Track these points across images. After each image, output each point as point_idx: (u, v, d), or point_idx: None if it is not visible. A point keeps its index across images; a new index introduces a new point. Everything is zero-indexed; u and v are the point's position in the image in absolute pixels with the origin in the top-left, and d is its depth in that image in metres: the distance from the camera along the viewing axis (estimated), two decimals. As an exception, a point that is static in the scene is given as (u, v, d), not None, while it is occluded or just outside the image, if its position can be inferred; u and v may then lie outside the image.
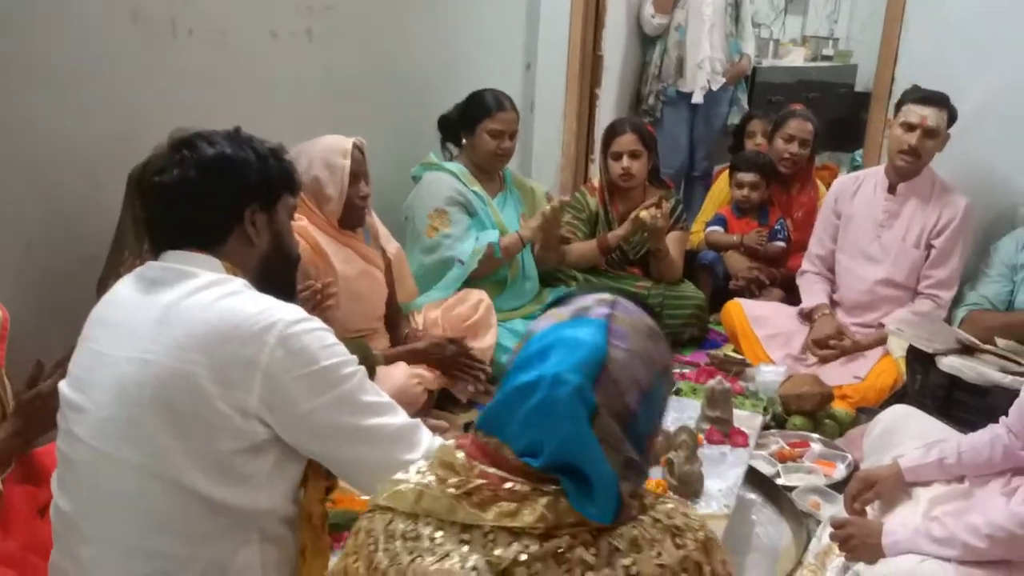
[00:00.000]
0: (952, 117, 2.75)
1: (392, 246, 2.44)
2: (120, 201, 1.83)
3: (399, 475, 0.95)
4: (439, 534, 0.88)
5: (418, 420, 1.28)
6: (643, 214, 2.99)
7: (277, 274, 1.36)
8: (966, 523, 1.61)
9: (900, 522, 1.73)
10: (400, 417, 1.24)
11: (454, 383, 2.50)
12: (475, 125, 2.84)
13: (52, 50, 1.84)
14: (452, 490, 0.89)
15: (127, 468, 1.16)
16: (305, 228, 2.15)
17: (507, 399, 0.91)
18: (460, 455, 0.93)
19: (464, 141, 2.89)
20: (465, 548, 0.87)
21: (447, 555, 0.86)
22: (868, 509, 1.95)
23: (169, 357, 1.14)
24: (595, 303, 0.95)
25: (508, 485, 0.88)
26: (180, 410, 1.14)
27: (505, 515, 0.86)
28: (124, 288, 1.28)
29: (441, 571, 0.85)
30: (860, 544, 1.74)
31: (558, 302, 0.99)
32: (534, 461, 0.88)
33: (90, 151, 1.93)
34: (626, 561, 0.86)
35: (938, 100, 2.72)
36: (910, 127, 2.73)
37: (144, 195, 1.35)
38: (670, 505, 0.94)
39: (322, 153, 2.20)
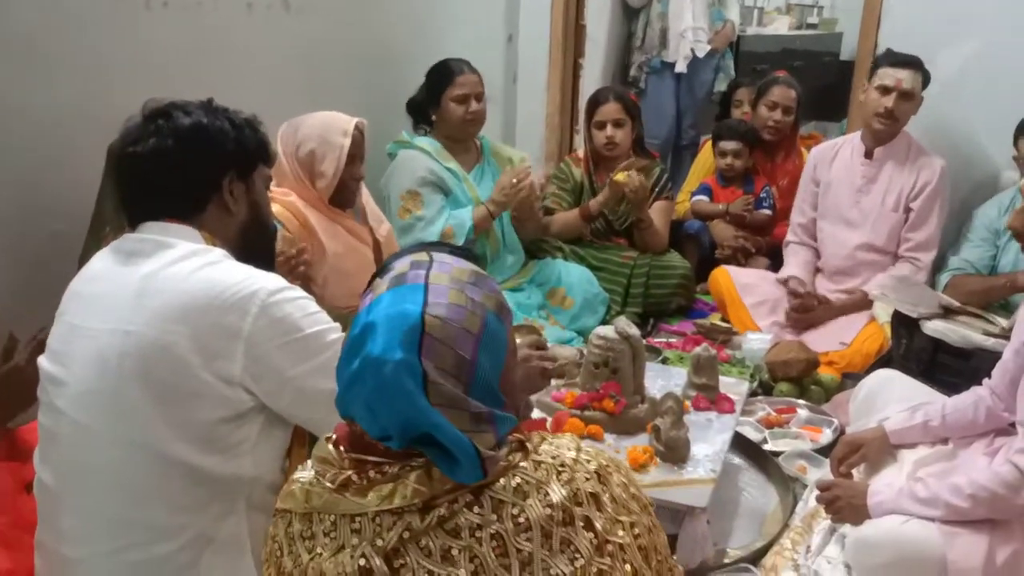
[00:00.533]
0: (926, 79, 2.76)
1: (384, 227, 2.41)
2: (92, 175, 1.81)
3: (295, 474, 0.95)
4: (332, 529, 0.89)
5: None
6: (618, 176, 2.97)
7: (256, 244, 1.36)
8: (949, 484, 1.63)
9: (885, 483, 1.75)
10: None
11: None
12: (439, 96, 2.81)
13: (22, 19, 1.80)
14: (329, 484, 0.90)
15: (110, 439, 1.16)
16: (294, 203, 2.13)
17: (347, 388, 0.90)
18: (330, 448, 0.93)
19: (434, 117, 2.85)
20: (356, 538, 0.87)
21: (341, 548, 0.87)
22: (854, 472, 1.97)
23: (150, 328, 1.14)
24: (411, 267, 0.92)
25: (376, 470, 0.88)
26: (163, 381, 1.14)
27: (384, 498, 0.87)
28: (100, 261, 1.27)
29: (336, 564, 0.86)
30: (846, 506, 1.76)
31: (380, 272, 0.97)
32: (392, 444, 0.88)
33: (61, 124, 1.89)
34: (514, 511, 0.86)
35: (912, 62, 2.74)
36: (885, 90, 2.74)
37: (119, 165, 1.33)
38: (557, 443, 0.94)
39: (321, 129, 2.15)
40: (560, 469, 0.89)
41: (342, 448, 0.93)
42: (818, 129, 5.17)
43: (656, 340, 2.86)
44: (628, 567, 0.88)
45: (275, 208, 2.07)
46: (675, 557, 1.67)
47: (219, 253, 1.24)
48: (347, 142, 2.13)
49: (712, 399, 2.06)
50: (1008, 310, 2.54)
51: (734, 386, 2.18)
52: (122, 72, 2.00)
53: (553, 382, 2.18)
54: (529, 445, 0.91)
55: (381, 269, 0.97)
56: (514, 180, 2.74)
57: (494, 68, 3.40)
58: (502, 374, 0.93)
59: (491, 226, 2.87)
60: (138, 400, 1.15)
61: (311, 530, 0.91)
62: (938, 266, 2.86)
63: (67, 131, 1.90)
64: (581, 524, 0.87)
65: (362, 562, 0.85)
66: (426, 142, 2.82)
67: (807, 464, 2.18)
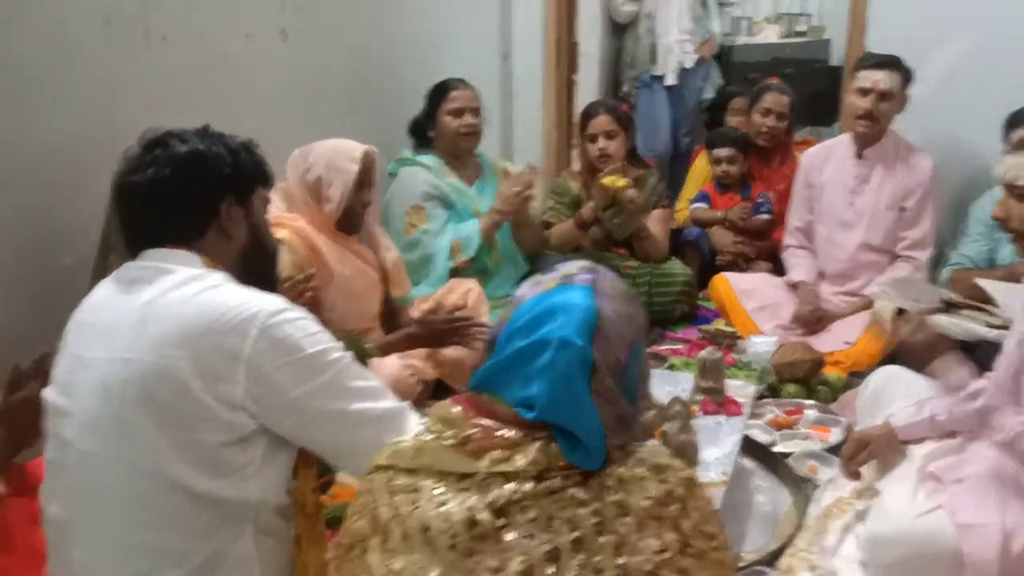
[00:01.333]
0: (907, 78, 2.80)
1: (392, 255, 2.43)
2: (100, 207, 1.83)
3: (404, 435, 1.01)
4: (439, 485, 0.93)
5: (407, 403, 1.28)
6: (605, 180, 3.01)
7: (257, 267, 1.36)
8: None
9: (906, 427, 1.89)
10: (388, 401, 1.24)
11: (459, 362, 2.38)
12: (435, 112, 2.87)
13: (25, 52, 1.82)
14: (449, 442, 0.95)
15: (117, 466, 1.16)
16: (303, 228, 2.16)
17: (507, 362, 0.96)
18: (456, 409, 0.98)
19: (431, 134, 2.90)
20: (463, 495, 0.92)
21: (446, 502, 0.92)
22: (863, 469, 1.98)
23: (151, 354, 1.14)
24: (578, 270, 1.02)
25: (500, 433, 0.94)
26: (165, 406, 1.14)
27: (499, 461, 0.92)
28: (102, 291, 1.28)
29: (439, 515, 0.91)
30: (875, 447, 1.88)
31: (542, 271, 1.05)
32: (527, 413, 0.94)
33: (66, 155, 1.91)
34: (615, 497, 0.92)
35: (889, 63, 2.78)
36: (864, 92, 2.79)
37: (119, 195, 1.34)
38: (652, 446, 1.01)
39: (330, 154, 2.18)
40: (659, 469, 0.96)
41: (466, 412, 0.98)
42: (812, 134, 5.20)
43: (662, 348, 2.87)
44: (705, 572, 0.93)
45: (284, 233, 2.10)
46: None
47: (219, 276, 1.24)
48: (355, 168, 2.17)
49: (719, 402, 2.07)
50: (1010, 302, 2.55)
51: (740, 388, 2.19)
52: (125, 103, 2.04)
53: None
54: (629, 446, 0.99)
55: (543, 269, 1.06)
56: (516, 189, 2.77)
57: (490, 87, 3.44)
58: (639, 387, 1.01)
59: (495, 239, 2.90)
60: (142, 426, 1.14)
61: (416, 484, 0.95)
62: (937, 262, 2.88)
63: (73, 163, 1.93)
64: (670, 521, 0.93)
65: (469, 514, 0.90)
66: (427, 159, 2.88)
67: (818, 464, 2.19)
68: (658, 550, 0.90)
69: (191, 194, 1.29)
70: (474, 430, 0.95)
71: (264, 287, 1.27)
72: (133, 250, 1.30)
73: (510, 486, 0.91)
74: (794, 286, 3.01)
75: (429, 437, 0.97)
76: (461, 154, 2.94)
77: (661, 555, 0.90)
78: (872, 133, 2.85)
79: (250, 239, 1.36)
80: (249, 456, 1.18)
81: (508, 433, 0.94)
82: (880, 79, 2.76)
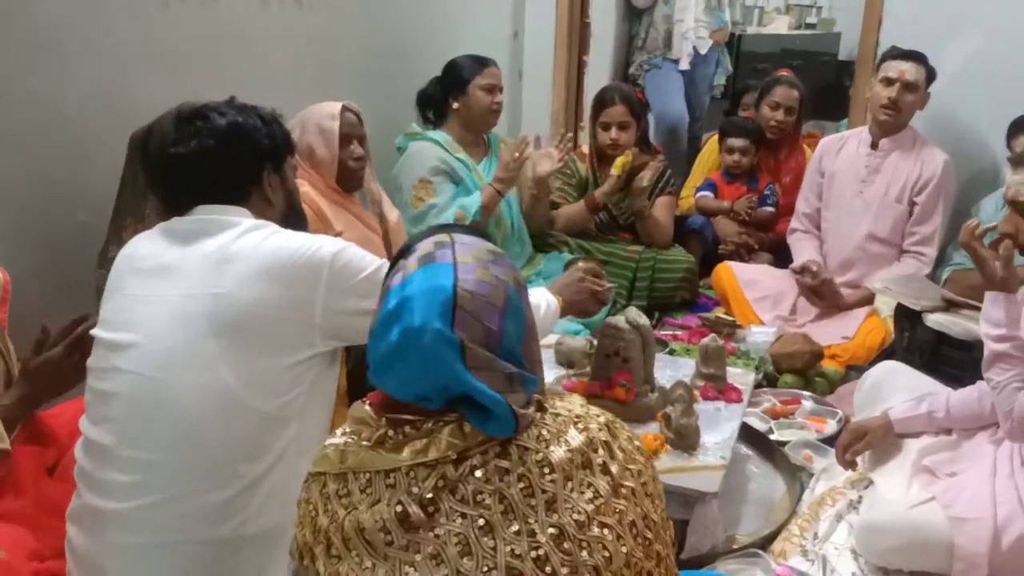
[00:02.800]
0: (931, 75, 2.82)
1: (393, 214, 2.44)
2: (114, 165, 1.84)
3: (327, 441, 1.02)
4: (368, 485, 0.95)
5: None
6: (615, 168, 3.06)
7: (295, 227, 1.45)
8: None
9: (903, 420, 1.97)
10: None
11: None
12: (466, 85, 2.85)
13: (40, 15, 1.82)
14: (366, 443, 0.96)
15: (184, 389, 1.27)
16: (307, 193, 2.16)
17: (382, 360, 0.96)
18: (367, 408, 1.00)
19: (456, 105, 2.88)
20: (391, 491, 0.93)
21: (377, 501, 0.93)
22: (859, 460, 2.01)
23: (240, 288, 1.29)
24: (436, 247, 0.99)
25: (413, 425, 0.95)
26: (250, 333, 1.28)
27: (418, 452, 0.93)
28: (151, 243, 1.39)
29: (372, 514, 0.92)
30: (872, 436, 1.95)
31: (401, 254, 1.02)
32: (428, 404, 0.95)
33: (82, 115, 1.92)
34: (538, 456, 0.93)
35: (916, 56, 2.81)
36: (889, 81, 2.81)
37: (162, 166, 1.42)
38: (568, 400, 1.02)
39: (314, 118, 2.21)
40: (576, 419, 0.98)
41: (377, 410, 0.99)
42: (817, 128, 5.21)
43: (662, 333, 2.89)
44: (639, 510, 0.96)
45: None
46: (687, 542, 1.73)
47: (275, 226, 1.38)
48: (335, 125, 2.19)
49: (720, 389, 2.09)
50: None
51: (741, 376, 2.21)
52: (141, 64, 2.04)
53: (564, 371, 2.22)
54: (547, 404, 1.00)
55: (403, 250, 1.02)
56: (516, 154, 2.76)
57: (500, 63, 3.40)
58: (524, 342, 1.00)
59: (501, 211, 2.91)
60: (222, 352, 1.27)
61: (347, 488, 0.96)
62: (939, 261, 2.90)
63: (88, 122, 1.93)
64: (599, 467, 0.95)
65: (399, 508, 0.91)
66: (437, 134, 2.87)
67: (813, 453, 2.21)
68: (591, 498, 0.92)
69: (234, 163, 1.41)
70: (387, 428, 0.96)
71: None
72: (178, 210, 1.40)
73: (433, 476, 0.92)
74: (802, 267, 3.00)
75: (350, 440, 0.99)
76: (481, 129, 2.95)
77: (595, 502, 0.92)
78: (892, 123, 2.86)
79: (287, 204, 1.50)
80: (307, 376, 1.34)
81: (419, 424, 0.95)
82: (906, 69, 2.78)
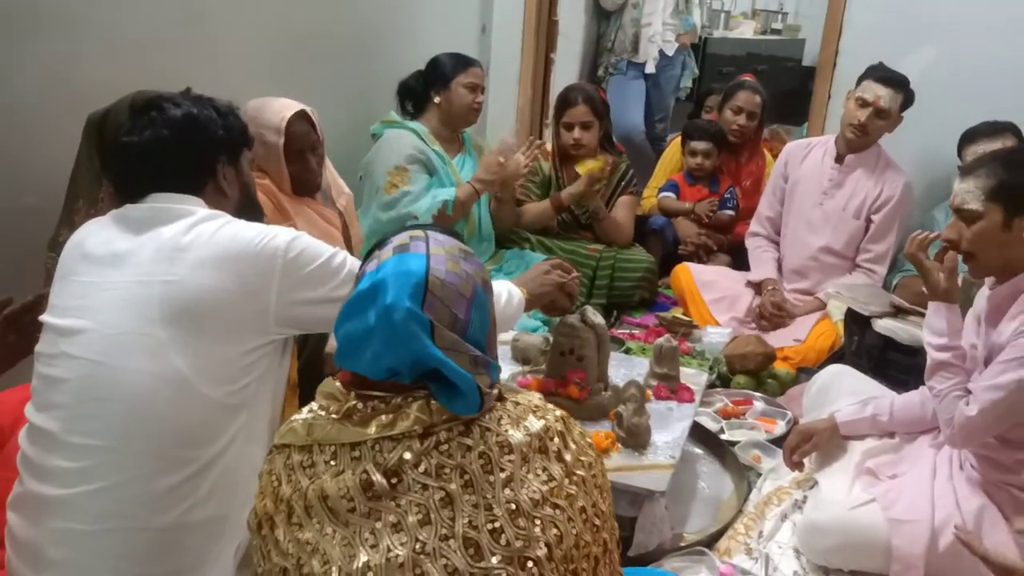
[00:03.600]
0: (908, 100, 2.81)
1: (343, 198, 2.41)
2: (65, 149, 1.80)
3: (293, 416, 1.05)
4: (333, 458, 0.98)
5: None
6: (582, 169, 3.10)
7: (250, 219, 1.44)
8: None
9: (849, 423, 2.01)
10: None
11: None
12: (449, 81, 2.87)
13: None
14: (334, 416, 1.00)
15: (135, 375, 1.26)
16: (267, 186, 2.13)
17: (353, 337, 1.00)
18: (337, 384, 1.04)
19: (437, 99, 2.89)
20: (356, 463, 0.97)
21: (342, 472, 0.97)
22: (805, 461, 2.05)
23: (193, 276, 1.29)
24: (411, 239, 1.05)
25: (381, 400, 0.99)
26: (202, 321, 1.29)
27: (384, 426, 0.98)
28: (103, 229, 1.38)
29: (336, 483, 0.96)
30: (820, 439, 2.00)
31: (377, 246, 1.08)
32: (400, 378, 0.99)
33: (29, 98, 1.87)
34: (498, 437, 0.98)
35: (897, 82, 2.79)
36: (863, 103, 2.81)
37: (115, 154, 1.43)
38: (526, 394, 1.08)
39: (260, 127, 2.04)
40: (535, 409, 1.04)
41: (347, 386, 1.03)
42: (781, 131, 5.28)
43: (619, 331, 2.92)
44: (589, 499, 1.01)
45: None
46: (635, 539, 1.75)
47: (228, 216, 1.38)
48: (280, 141, 2.08)
49: (673, 389, 2.12)
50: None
51: (694, 377, 2.24)
52: (98, 45, 1.99)
53: (520, 367, 2.23)
54: (506, 395, 1.05)
55: (379, 243, 1.08)
56: (500, 159, 2.78)
57: (467, 58, 3.43)
58: (487, 336, 1.06)
59: (471, 209, 2.91)
60: (173, 339, 1.27)
61: (311, 459, 0.99)
62: (890, 267, 2.96)
63: (40, 102, 1.88)
64: (554, 454, 1.00)
65: (363, 476, 0.95)
66: (415, 125, 2.88)
67: (761, 454, 2.26)
68: (545, 480, 0.97)
69: (188, 154, 1.40)
70: (355, 402, 1.00)
71: None
72: (131, 198, 1.40)
73: (399, 447, 0.96)
74: (759, 284, 3.06)
75: (318, 414, 1.02)
76: (459, 126, 2.98)
77: (550, 484, 0.97)
78: (858, 143, 2.88)
79: (243, 196, 1.50)
80: (259, 364, 1.36)
81: (388, 399, 0.99)
82: (883, 95, 2.77)
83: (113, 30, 2.03)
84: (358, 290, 1.01)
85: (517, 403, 1.04)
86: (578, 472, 1.01)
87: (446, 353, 0.97)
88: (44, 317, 1.36)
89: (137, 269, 1.31)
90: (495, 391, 1.03)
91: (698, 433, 2.25)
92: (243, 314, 1.32)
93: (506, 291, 1.74)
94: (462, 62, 2.91)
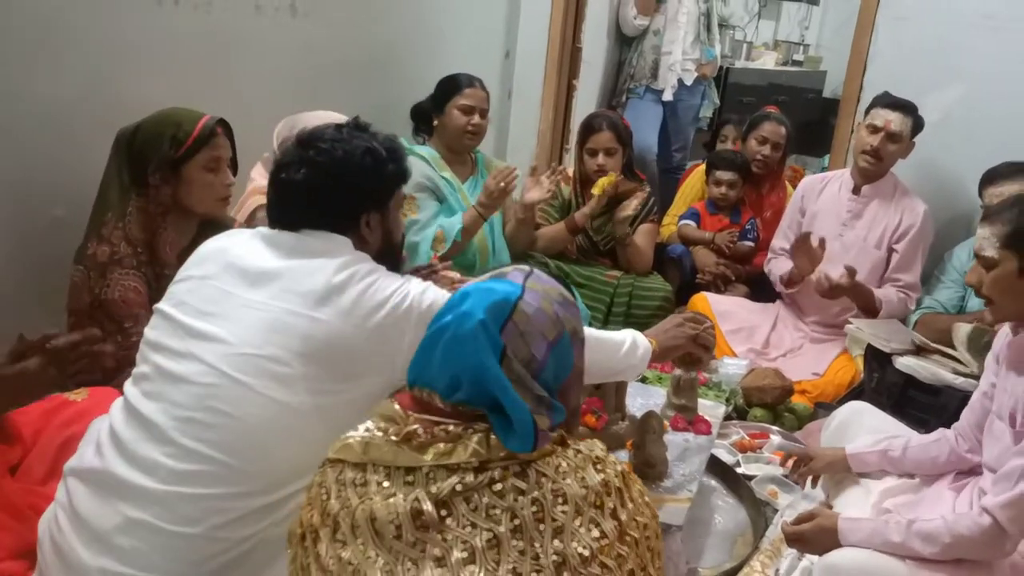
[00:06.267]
0: (918, 126, 2.85)
1: None
2: (95, 163, 1.82)
3: (348, 432, 1.04)
4: (386, 479, 0.98)
5: None
6: (595, 190, 3.07)
7: (387, 261, 1.49)
8: (923, 531, 1.60)
9: (854, 518, 1.73)
10: None
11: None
12: (444, 103, 2.85)
13: (35, 9, 1.81)
14: (393, 438, 0.99)
15: (263, 399, 1.29)
16: None
17: (428, 342, 1.02)
18: (396, 407, 1.03)
19: (436, 123, 2.88)
20: (408, 488, 0.96)
21: (393, 495, 0.96)
22: (819, 491, 2.03)
23: (339, 320, 1.32)
24: (512, 269, 1.07)
25: (441, 427, 0.98)
26: (337, 362, 1.32)
27: (442, 454, 0.97)
28: (253, 244, 1.42)
29: (386, 506, 0.95)
30: (813, 542, 1.74)
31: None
32: (459, 395, 0.99)
33: (65, 112, 1.90)
34: (553, 485, 0.96)
35: (905, 107, 2.83)
36: (875, 129, 2.84)
37: (271, 186, 1.46)
38: (589, 442, 1.05)
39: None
40: (595, 460, 1.01)
41: (406, 409, 1.02)
42: (798, 163, 5.29)
43: (635, 360, 2.90)
44: (639, 560, 0.98)
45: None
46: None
47: (372, 263, 1.42)
48: None
49: (690, 420, 2.10)
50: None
51: (711, 408, 2.22)
52: (130, 64, 2.03)
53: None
54: (569, 441, 1.02)
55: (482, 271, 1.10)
56: (501, 184, 2.77)
57: (490, 82, 3.42)
58: (561, 386, 1.04)
59: (483, 234, 2.90)
60: (307, 373, 1.30)
61: (364, 478, 0.99)
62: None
63: (73, 118, 1.92)
64: (609, 511, 0.97)
65: (415, 504, 0.94)
66: (424, 150, 2.86)
67: (778, 489, 2.24)
68: (597, 537, 0.95)
69: (336, 202, 1.43)
70: (416, 426, 0.99)
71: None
72: (281, 227, 1.43)
73: (453, 478, 0.95)
74: (789, 278, 3.01)
75: (375, 434, 1.01)
76: (460, 150, 2.93)
77: (600, 541, 0.95)
78: (873, 171, 2.90)
79: (384, 242, 1.51)
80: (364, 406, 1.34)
81: (449, 427, 0.98)
82: (893, 119, 2.81)
83: (146, 49, 2.07)
84: (447, 303, 1.04)
85: (578, 451, 1.01)
86: (632, 533, 0.99)
87: (511, 383, 0.97)
88: (168, 308, 1.38)
89: (284, 296, 1.34)
90: (555, 434, 1.00)
91: (714, 465, 2.23)
92: (374, 361, 1.34)
93: (630, 339, 1.71)
94: (456, 83, 2.86)
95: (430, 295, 1.41)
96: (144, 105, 1.82)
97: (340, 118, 2.17)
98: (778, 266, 3.13)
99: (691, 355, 1.90)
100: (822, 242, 2.87)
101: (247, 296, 1.35)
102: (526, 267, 1.08)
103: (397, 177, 1.51)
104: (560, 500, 0.95)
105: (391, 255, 1.55)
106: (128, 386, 1.37)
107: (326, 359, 1.32)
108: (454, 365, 0.98)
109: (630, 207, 3.09)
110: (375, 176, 1.45)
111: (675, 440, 2.02)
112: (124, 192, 1.80)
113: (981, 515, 1.58)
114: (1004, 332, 1.81)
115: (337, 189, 1.42)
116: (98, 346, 1.37)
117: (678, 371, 2.17)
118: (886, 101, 2.86)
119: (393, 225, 1.55)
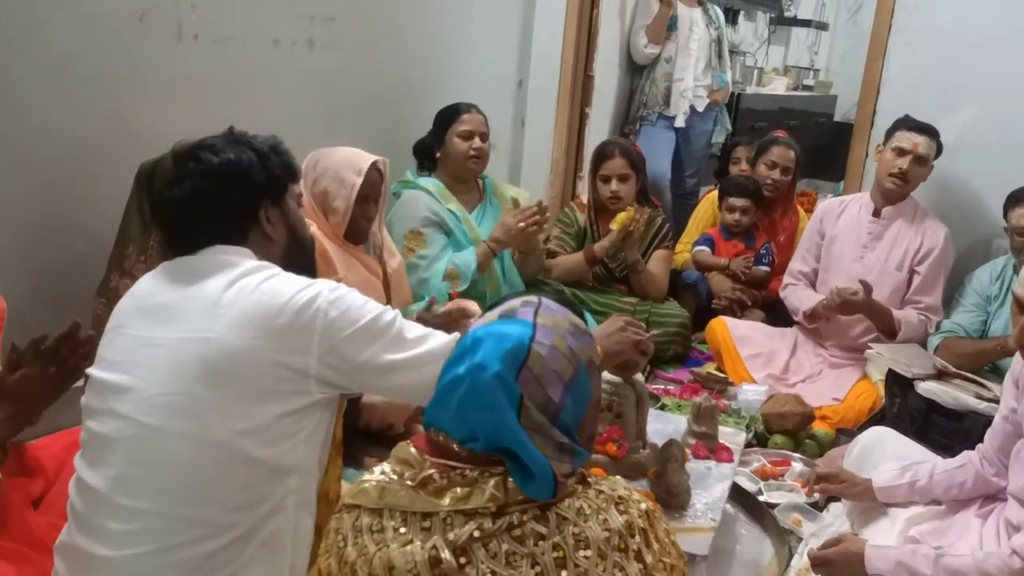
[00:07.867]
0: (939, 149, 2.87)
1: (395, 261, 2.44)
2: (116, 198, 1.85)
3: (365, 476, 1.02)
4: (403, 525, 0.96)
5: (456, 333, 1.40)
6: (616, 224, 3.08)
7: (298, 260, 1.45)
8: (951, 567, 1.60)
9: (880, 551, 1.71)
10: (442, 337, 1.39)
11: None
12: (444, 133, 2.85)
13: (57, 44, 1.85)
14: (409, 482, 0.97)
15: (180, 440, 1.24)
16: (314, 233, 2.16)
17: (443, 392, 0.99)
18: (412, 450, 1.01)
19: (439, 154, 2.88)
20: (426, 534, 0.94)
21: (410, 542, 0.94)
22: (846, 519, 2.00)
23: (231, 334, 1.25)
24: (521, 304, 1.04)
25: (458, 472, 0.96)
26: (242, 381, 1.25)
27: (459, 499, 0.95)
28: (155, 280, 1.36)
29: (404, 554, 0.93)
30: (839, 568, 1.73)
31: (491, 307, 1.08)
32: (476, 445, 0.97)
33: (87, 147, 1.93)
34: (575, 529, 0.93)
35: (929, 130, 2.85)
36: (902, 152, 2.85)
37: (160, 209, 1.44)
38: (611, 481, 1.02)
39: (336, 166, 2.18)
40: (618, 501, 0.97)
41: (423, 453, 1.00)
42: (810, 187, 5.29)
43: (654, 387, 2.89)
44: None
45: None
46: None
47: (275, 268, 1.36)
48: (359, 181, 2.16)
49: (711, 448, 2.08)
50: (998, 374, 2.59)
51: (732, 436, 2.20)
52: (150, 98, 2.06)
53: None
54: (590, 479, 0.99)
55: (491, 305, 1.08)
56: (521, 224, 2.76)
57: (503, 111, 3.47)
58: (582, 421, 1.01)
59: (492, 264, 2.89)
60: (214, 400, 1.24)
61: (380, 524, 0.97)
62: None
63: (94, 152, 1.94)
64: (633, 553, 0.94)
65: (432, 553, 0.92)
66: (429, 183, 2.85)
67: (802, 517, 2.20)
68: None
69: (229, 204, 1.38)
70: (432, 470, 0.97)
71: (306, 275, 1.37)
72: (181, 251, 1.38)
73: (471, 524, 0.93)
74: (813, 307, 2.98)
75: (391, 478, 0.99)
76: (466, 177, 2.92)
77: None
78: (898, 193, 2.90)
79: (290, 237, 1.47)
80: (305, 425, 1.31)
81: (466, 471, 0.96)
82: (920, 142, 2.82)
83: (166, 83, 2.10)
84: (460, 344, 1.01)
85: (600, 491, 0.98)
86: (658, 575, 0.96)
87: (529, 433, 0.94)
88: (92, 370, 1.34)
89: (182, 325, 1.28)
90: (573, 479, 0.98)
91: (736, 494, 2.20)
92: (282, 373, 1.26)
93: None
94: (453, 110, 2.86)
95: (344, 302, 1.31)
96: (164, 139, 1.84)
97: (368, 157, 2.22)
98: (798, 298, 3.09)
99: (628, 360, 1.83)
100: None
101: (151, 335, 1.29)
102: (534, 298, 1.05)
103: (283, 168, 1.46)
104: (582, 545, 0.92)
105: (301, 253, 1.51)
106: (76, 458, 1.34)
107: (228, 379, 1.24)
108: (470, 419, 0.96)
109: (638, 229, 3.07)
110: (260, 169, 1.41)
111: (697, 468, 1.99)
112: (145, 226, 1.82)
113: (1011, 557, 1.57)
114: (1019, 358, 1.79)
115: (225, 188, 1.37)
116: (83, 333, 1.37)
117: (699, 398, 2.16)
118: (910, 124, 2.87)
119: (296, 221, 1.49)
